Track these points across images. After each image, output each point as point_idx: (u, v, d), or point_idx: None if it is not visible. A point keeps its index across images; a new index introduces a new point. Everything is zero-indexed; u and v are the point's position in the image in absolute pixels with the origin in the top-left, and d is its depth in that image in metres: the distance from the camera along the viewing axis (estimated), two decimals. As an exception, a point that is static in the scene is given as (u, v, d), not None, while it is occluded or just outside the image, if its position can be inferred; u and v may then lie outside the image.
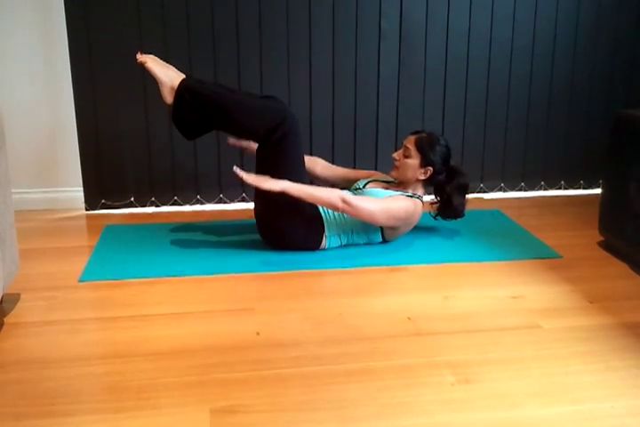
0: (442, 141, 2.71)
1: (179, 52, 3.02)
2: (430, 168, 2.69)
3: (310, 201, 2.49)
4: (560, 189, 3.52)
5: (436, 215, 2.82)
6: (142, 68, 2.54)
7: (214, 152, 3.13)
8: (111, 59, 2.99)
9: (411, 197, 2.66)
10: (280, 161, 2.52)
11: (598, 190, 3.09)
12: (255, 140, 2.56)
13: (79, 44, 2.95)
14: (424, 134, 2.71)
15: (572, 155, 3.47)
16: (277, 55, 3.10)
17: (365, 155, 3.29)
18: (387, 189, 2.73)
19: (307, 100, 3.18)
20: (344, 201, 2.48)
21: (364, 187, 2.77)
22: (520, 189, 3.49)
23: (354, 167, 3.22)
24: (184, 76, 2.53)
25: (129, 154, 3.12)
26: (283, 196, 2.44)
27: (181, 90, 2.49)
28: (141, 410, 1.60)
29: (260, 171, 2.53)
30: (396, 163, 2.72)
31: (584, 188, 3.53)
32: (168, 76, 2.52)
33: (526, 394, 1.68)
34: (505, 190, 3.47)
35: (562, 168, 3.48)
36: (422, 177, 2.71)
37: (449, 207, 2.76)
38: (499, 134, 3.39)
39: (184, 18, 2.99)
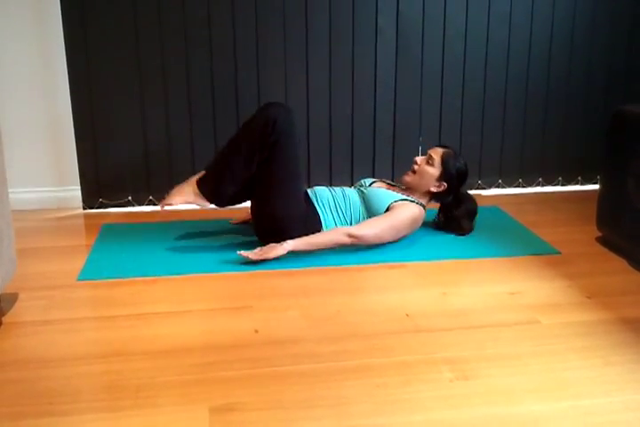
0: (463, 162, 2.75)
1: (175, 52, 3.02)
2: (445, 184, 2.71)
3: (319, 249, 2.53)
4: (558, 185, 3.52)
5: (441, 228, 2.83)
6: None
7: (212, 151, 3.13)
8: (108, 58, 2.98)
9: (415, 202, 2.67)
10: (278, 163, 2.50)
11: (596, 186, 3.09)
12: (255, 152, 2.50)
13: (76, 43, 2.94)
14: (451, 151, 2.73)
15: (569, 151, 3.47)
16: (274, 54, 3.09)
17: (362, 153, 3.29)
18: (390, 189, 2.75)
19: (303, 98, 3.17)
20: (349, 235, 2.51)
21: (369, 185, 2.78)
22: (518, 186, 3.49)
23: (351, 162, 3.27)
24: (193, 179, 2.58)
25: (126, 153, 3.11)
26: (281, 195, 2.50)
27: (202, 188, 2.54)
28: (140, 409, 1.60)
29: (260, 174, 2.53)
30: (416, 167, 2.73)
31: (582, 184, 3.53)
32: (184, 193, 2.56)
33: (525, 390, 1.68)
34: (503, 187, 3.47)
35: (559, 164, 3.48)
36: (434, 190, 2.72)
37: (457, 229, 2.79)
38: (496, 131, 3.39)
39: (181, 18, 2.98)
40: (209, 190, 2.54)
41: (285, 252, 2.47)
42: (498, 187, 3.47)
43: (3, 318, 2.06)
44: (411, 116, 3.29)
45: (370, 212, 2.63)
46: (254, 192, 2.58)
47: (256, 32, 3.05)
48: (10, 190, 2.11)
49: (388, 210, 2.61)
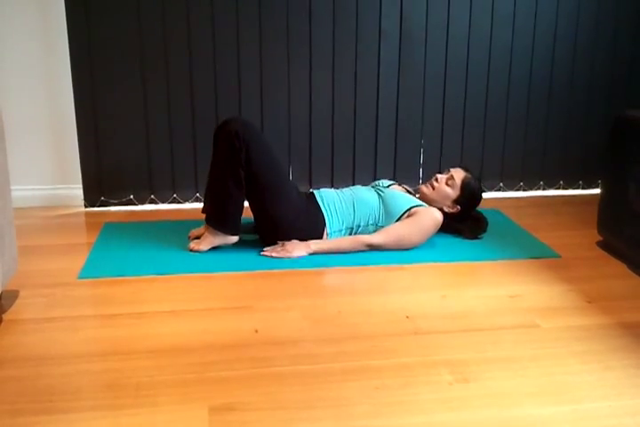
0: (481, 190, 2.78)
1: (178, 50, 3.02)
2: (459, 208, 2.73)
3: (339, 253, 2.57)
4: (559, 188, 3.52)
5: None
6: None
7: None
8: (111, 56, 2.99)
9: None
10: (257, 169, 2.50)
11: (597, 190, 3.09)
12: (238, 171, 2.51)
13: (79, 41, 2.95)
14: (473, 176, 2.76)
15: (571, 155, 3.47)
16: (277, 56, 3.10)
17: (364, 154, 3.30)
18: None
19: (306, 100, 3.18)
20: (369, 246, 2.57)
21: (387, 187, 2.80)
22: (519, 189, 3.49)
23: (353, 163, 3.28)
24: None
25: (128, 151, 3.12)
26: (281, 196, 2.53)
27: (216, 226, 2.56)
28: (140, 407, 1.60)
29: (250, 188, 2.53)
30: (435, 183, 2.74)
31: (583, 188, 3.53)
32: (206, 236, 2.58)
33: (524, 393, 1.68)
34: (504, 190, 3.47)
35: (561, 168, 3.49)
36: (446, 209, 2.74)
37: (456, 232, 2.80)
38: (498, 134, 3.39)
39: (184, 17, 2.99)
40: (224, 226, 2.56)
41: (307, 254, 2.52)
42: (499, 190, 3.47)
43: (3, 316, 2.06)
44: (413, 119, 3.29)
45: (387, 212, 2.64)
46: (248, 199, 2.59)
47: (260, 34, 3.06)
48: (12, 188, 2.11)
49: (407, 214, 2.62)
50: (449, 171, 2.78)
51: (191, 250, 2.58)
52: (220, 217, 2.56)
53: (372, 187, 2.80)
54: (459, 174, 2.75)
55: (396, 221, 2.62)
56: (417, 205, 2.64)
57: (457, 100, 3.31)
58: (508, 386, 1.71)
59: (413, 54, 3.21)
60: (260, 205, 2.57)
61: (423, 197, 2.77)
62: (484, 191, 2.80)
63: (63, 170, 3.14)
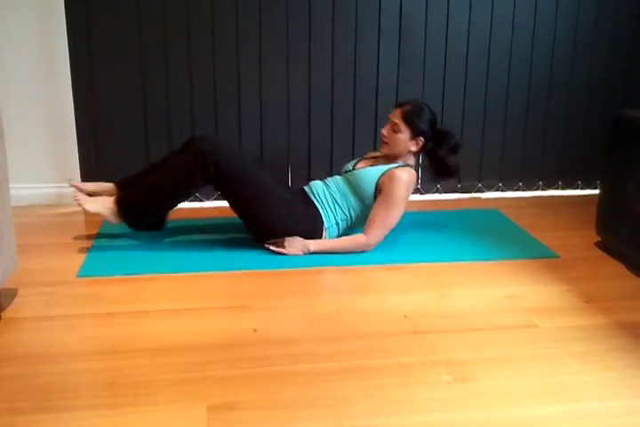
0: (426, 109, 2.68)
1: (178, 51, 3.02)
2: (421, 138, 2.66)
3: (340, 253, 2.58)
4: (558, 189, 3.53)
5: (434, 178, 2.81)
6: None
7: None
8: (111, 55, 2.99)
9: (402, 166, 2.64)
10: (238, 185, 2.53)
11: (596, 191, 3.09)
12: (185, 187, 2.55)
13: (79, 40, 2.95)
14: (408, 106, 2.67)
15: (570, 155, 3.47)
16: (276, 51, 3.10)
17: (364, 153, 3.29)
18: (375, 165, 2.72)
19: (305, 96, 3.18)
20: (368, 245, 2.58)
21: (353, 168, 2.76)
22: (518, 189, 3.49)
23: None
24: (112, 197, 2.57)
25: (127, 150, 3.12)
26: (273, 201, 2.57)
27: (122, 211, 2.55)
28: (138, 406, 1.60)
29: (233, 203, 2.58)
30: (385, 139, 2.69)
31: (582, 188, 3.54)
32: (103, 205, 2.55)
33: (522, 393, 1.68)
34: (503, 190, 3.48)
35: (560, 168, 3.49)
36: (414, 148, 2.68)
37: (445, 169, 2.73)
38: (497, 134, 3.39)
39: (184, 17, 2.99)
40: (129, 216, 2.57)
41: (302, 254, 2.53)
42: (498, 190, 3.47)
43: (2, 314, 2.06)
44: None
45: (360, 196, 2.62)
46: (238, 215, 2.61)
47: (259, 30, 3.06)
48: (11, 186, 2.11)
49: (377, 188, 2.59)
50: (389, 119, 2.70)
51: (74, 199, 2.55)
52: (136, 215, 2.59)
53: (342, 174, 2.76)
54: (396, 116, 2.66)
55: (374, 198, 2.59)
56: (381, 175, 2.59)
57: (456, 99, 3.31)
58: (506, 386, 1.71)
59: (412, 52, 3.21)
60: (252, 217, 2.58)
61: (387, 156, 2.71)
62: (429, 107, 2.69)
63: (62, 168, 3.14)
